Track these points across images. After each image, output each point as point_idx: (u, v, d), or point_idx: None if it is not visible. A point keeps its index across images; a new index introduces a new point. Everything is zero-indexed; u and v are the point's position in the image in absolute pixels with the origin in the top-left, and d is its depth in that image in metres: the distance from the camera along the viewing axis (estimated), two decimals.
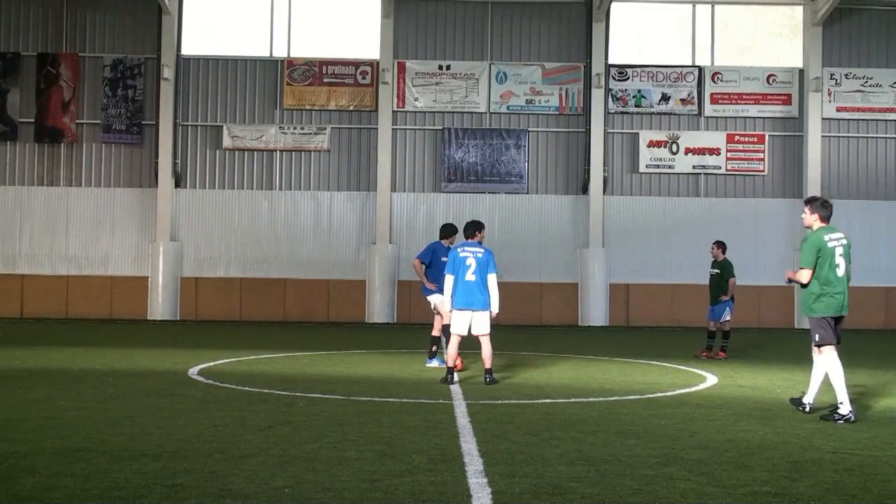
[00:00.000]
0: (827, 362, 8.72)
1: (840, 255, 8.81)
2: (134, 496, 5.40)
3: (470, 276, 10.97)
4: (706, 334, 16.00)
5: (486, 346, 11.13)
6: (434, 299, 13.16)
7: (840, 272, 8.79)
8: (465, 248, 11.20)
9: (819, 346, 8.80)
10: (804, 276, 8.86)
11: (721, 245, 16.24)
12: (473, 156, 26.09)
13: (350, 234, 26.21)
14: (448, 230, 13.62)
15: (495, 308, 11.08)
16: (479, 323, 11.08)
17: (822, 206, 9.04)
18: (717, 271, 15.98)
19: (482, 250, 11.17)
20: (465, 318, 11.07)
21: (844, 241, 8.93)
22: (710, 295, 16.06)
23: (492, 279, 11.06)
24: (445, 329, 12.21)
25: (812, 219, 9.06)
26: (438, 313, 13.10)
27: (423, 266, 13.41)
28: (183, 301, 25.82)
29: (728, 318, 15.78)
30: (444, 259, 12.84)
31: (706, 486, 5.87)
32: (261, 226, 26.18)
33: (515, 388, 10.96)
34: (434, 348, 13.43)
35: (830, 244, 8.82)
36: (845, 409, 8.52)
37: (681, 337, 21.60)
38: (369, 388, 10.59)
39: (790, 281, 9.35)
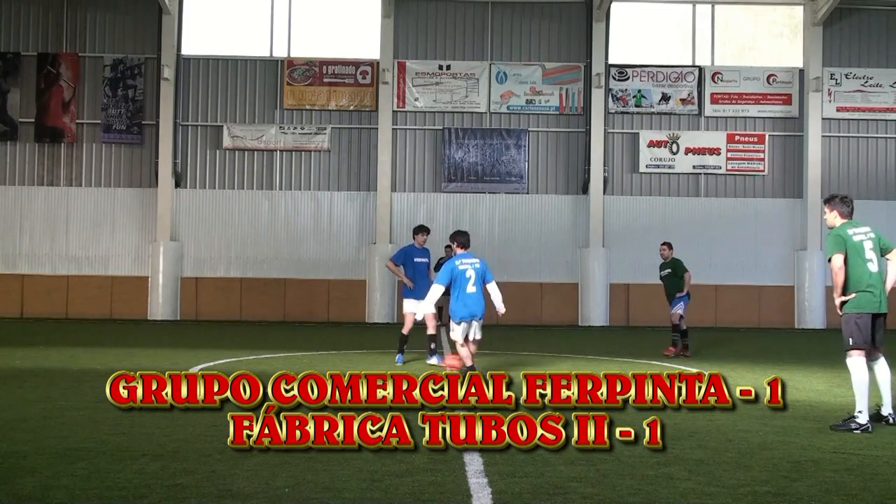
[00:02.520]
0: (853, 367, 8.10)
1: (870, 248, 8.20)
2: (134, 496, 5.40)
3: (471, 288, 11.25)
4: (680, 334, 15.92)
5: (474, 348, 11.63)
6: (410, 306, 13.57)
7: (873, 267, 8.14)
8: (464, 261, 11.39)
9: (848, 349, 8.14)
10: (836, 261, 8.19)
11: (669, 246, 16.30)
12: (473, 156, 26.09)
13: (350, 234, 26.21)
14: (420, 230, 14.32)
15: (502, 307, 11.55)
16: (477, 330, 11.50)
17: (841, 203, 8.50)
18: (670, 270, 15.98)
19: (478, 260, 11.48)
20: (465, 329, 11.40)
21: (873, 235, 8.31)
22: (667, 295, 16.07)
23: (492, 286, 11.53)
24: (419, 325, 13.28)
25: (832, 216, 8.54)
26: (431, 313, 13.12)
27: (398, 267, 14.04)
28: (183, 301, 25.82)
29: (681, 311, 15.67)
30: (416, 259, 13.98)
31: (706, 486, 5.87)
32: (261, 226, 26.18)
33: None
34: (433, 346, 13.69)
35: (856, 237, 8.25)
36: (864, 418, 7.94)
37: None
38: None
39: (843, 304, 8.27)
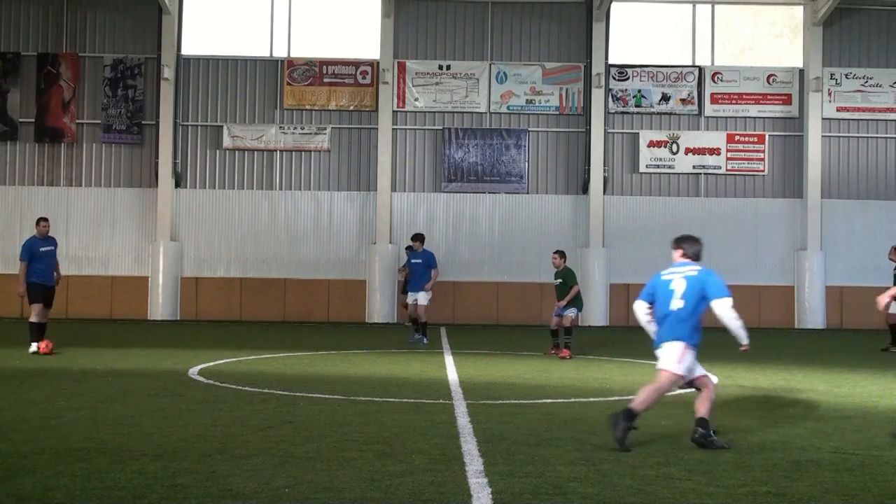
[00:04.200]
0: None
1: None
2: (134, 496, 5.40)
3: (676, 304, 7.64)
4: (563, 332, 15.64)
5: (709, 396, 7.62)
6: (408, 298, 18.40)
7: None
8: (674, 269, 7.90)
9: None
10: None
11: (562, 255, 16.05)
12: (473, 156, 26.08)
13: (350, 234, 26.20)
14: (416, 238, 18.29)
15: (744, 337, 7.66)
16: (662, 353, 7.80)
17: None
18: (560, 280, 15.77)
19: (696, 268, 7.80)
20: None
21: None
22: (558, 301, 15.79)
23: (720, 305, 7.59)
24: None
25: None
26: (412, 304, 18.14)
27: (405, 271, 18.82)
28: (183, 301, 25.82)
29: (572, 315, 15.59)
30: (412, 261, 18.12)
31: (706, 486, 5.87)
32: (261, 226, 26.17)
33: (515, 388, 10.97)
34: (415, 327, 17.98)
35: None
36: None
37: None
38: (369, 388, 10.60)
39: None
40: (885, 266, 19.38)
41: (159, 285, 25.55)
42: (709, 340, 17.08)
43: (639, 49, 26.65)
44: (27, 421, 7.95)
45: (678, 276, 7.77)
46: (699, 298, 7.60)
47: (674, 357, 7.55)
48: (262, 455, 6.57)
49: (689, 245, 8.02)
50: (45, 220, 15.24)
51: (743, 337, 7.62)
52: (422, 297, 17.75)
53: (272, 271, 26.08)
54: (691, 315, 7.60)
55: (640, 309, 7.98)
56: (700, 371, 7.73)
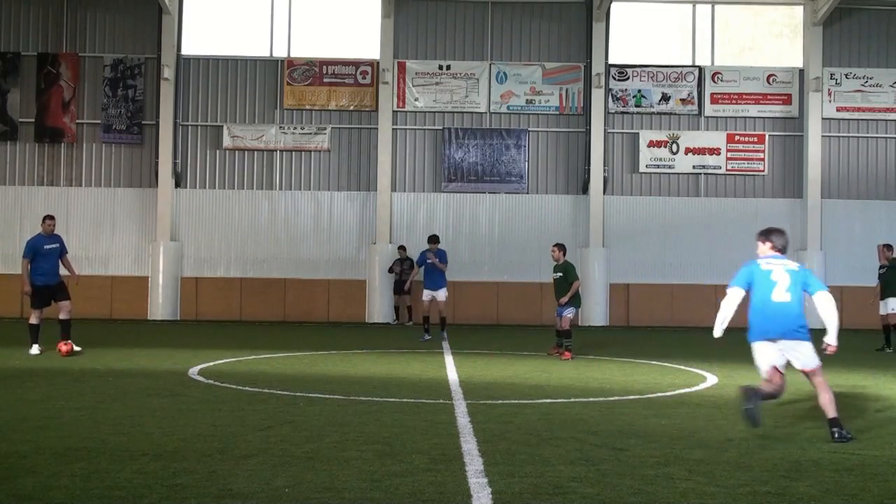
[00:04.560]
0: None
1: None
2: (134, 496, 5.40)
3: (780, 297, 7.87)
4: (564, 335, 15.46)
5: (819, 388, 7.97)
6: (425, 296, 18.69)
7: None
8: (771, 261, 8.07)
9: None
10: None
11: (562, 248, 15.87)
12: (473, 156, 26.08)
13: (350, 234, 26.20)
14: (431, 239, 18.91)
15: (833, 339, 7.99)
16: (805, 358, 7.96)
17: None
18: (560, 274, 15.60)
19: (796, 264, 8.11)
20: (772, 355, 8.01)
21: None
22: (557, 298, 15.68)
23: (821, 298, 7.90)
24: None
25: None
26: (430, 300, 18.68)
27: (419, 269, 19.08)
28: (183, 301, 25.82)
29: (570, 315, 15.48)
30: (428, 261, 18.55)
31: (706, 486, 5.87)
32: (261, 226, 26.17)
33: (515, 388, 10.97)
34: (425, 326, 18.73)
35: None
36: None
37: (681, 337, 21.60)
38: (369, 388, 10.60)
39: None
40: None
41: (159, 285, 25.55)
42: (710, 341, 17.04)
43: (639, 49, 26.64)
44: (27, 421, 7.95)
45: (779, 268, 7.96)
46: (802, 293, 7.90)
47: (812, 355, 7.93)
48: (262, 455, 6.58)
49: (778, 237, 8.15)
50: (52, 217, 15.46)
51: (834, 336, 7.93)
52: (441, 294, 18.52)
53: (272, 271, 26.08)
54: (799, 310, 7.89)
55: (738, 295, 8.14)
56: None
